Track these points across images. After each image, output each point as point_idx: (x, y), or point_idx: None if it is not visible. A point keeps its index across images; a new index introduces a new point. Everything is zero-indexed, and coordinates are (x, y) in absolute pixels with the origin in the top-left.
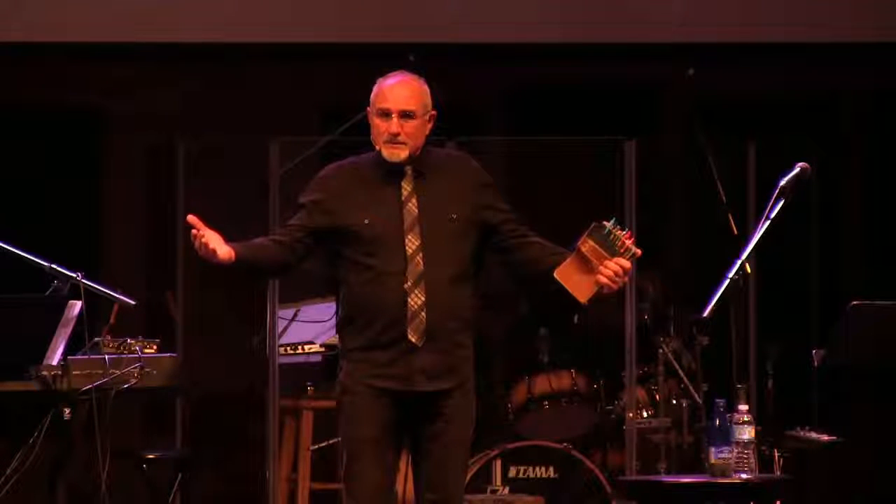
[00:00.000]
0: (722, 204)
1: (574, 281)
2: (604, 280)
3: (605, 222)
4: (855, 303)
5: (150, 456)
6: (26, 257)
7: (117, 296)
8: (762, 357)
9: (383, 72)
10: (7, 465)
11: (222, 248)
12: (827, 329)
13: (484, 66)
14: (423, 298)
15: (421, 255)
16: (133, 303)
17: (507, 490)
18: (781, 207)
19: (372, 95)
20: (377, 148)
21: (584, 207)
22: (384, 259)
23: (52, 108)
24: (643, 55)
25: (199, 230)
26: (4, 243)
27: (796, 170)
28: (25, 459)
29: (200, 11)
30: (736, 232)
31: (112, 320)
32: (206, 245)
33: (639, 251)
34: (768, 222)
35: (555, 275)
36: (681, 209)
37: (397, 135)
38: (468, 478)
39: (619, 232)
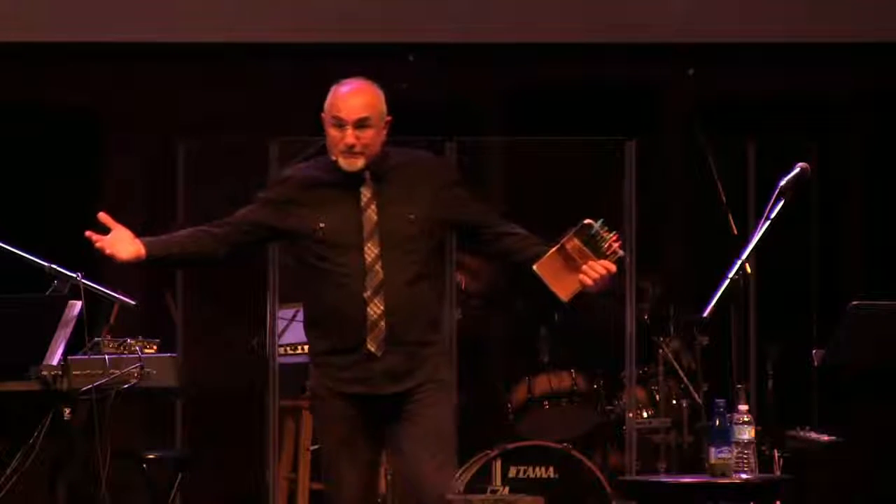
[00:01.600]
0: (722, 204)
1: (556, 277)
2: (587, 281)
3: (592, 222)
4: (855, 303)
5: (150, 456)
6: (26, 257)
7: (117, 296)
8: (762, 357)
9: (382, 72)
10: (7, 465)
11: (126, 250)
12: (827, 329)
13: (484, 66)
14: (381, 308)
15: (380, 263)
16: (133, 303)
17: (507, 490)
18: (781, 207)
19: (326, 103)
20: (333, 157)
21: (584, 207)
22: (343, 266)
23: (52, 108)
24: (643, 55)
25: (96, 241)
26: (4, 243)
27: (796, 170)
28: (25, 459)
29: (200, 11)
30: (736, 232)
31: (112, 320)
32: (103, 251)
33: (623, 254)
34: (768, 222)
35: (534, 268)
36: (681, 209)
37: (353, 146)
38: (468, 478)
39: (606, 234)
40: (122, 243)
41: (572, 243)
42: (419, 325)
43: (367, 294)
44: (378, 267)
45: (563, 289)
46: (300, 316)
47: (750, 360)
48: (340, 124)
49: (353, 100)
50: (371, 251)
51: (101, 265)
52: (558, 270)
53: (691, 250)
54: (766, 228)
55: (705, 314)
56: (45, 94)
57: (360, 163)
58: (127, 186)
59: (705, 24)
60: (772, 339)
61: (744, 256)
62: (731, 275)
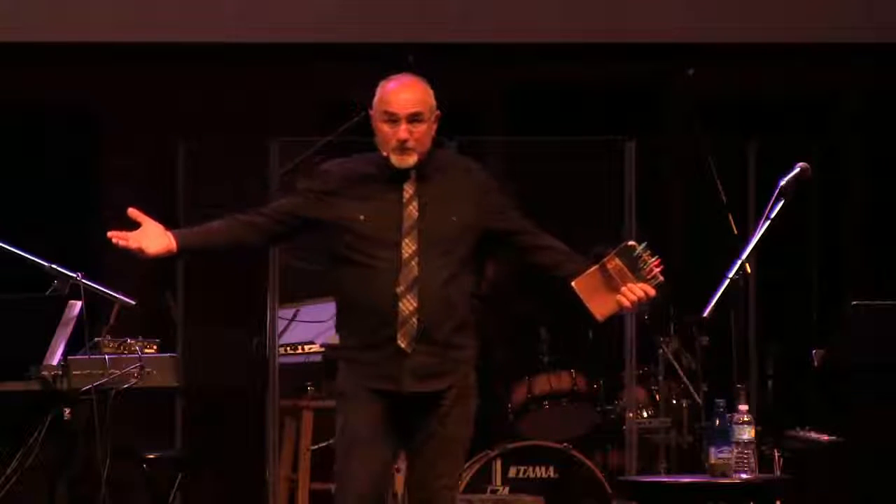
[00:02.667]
0: (722, 204)
1: (593, 296)
2: (625, 303)
3: (636, 244)
4: (855, 303)
5: (150, 456)
6: (26, 257)
7: (117, 296)
8: (762, 357)
9: (383, 72)
10: (7, 465)
11: (155, 244)
12: (827, 329)
13: (484, 66)
14: (414, 304)
15: (416, 259)
16: (133, 303)
17: (507, 490)
18: (781, 207)
19: (376, 99)
20: (384, 154)
21: (584, 207)
22: (378, 260)
23: (52, 108)
24: (643, 55)
25: (119, 239)
26: (4, 243)
27: (796, 170)
28: (25, 459)
29: (200, 11)
30: (736, 232)
31: (112, 320)
32: (128, 249)
33: (662, 279)
34: (768, 222)
35: (573, 285)
36: (681, 209)
37: (406, 141)
38: (468, 478)
39: (648, 257)
40: (150, 237)
41: (614, 263)
42: (450, 325)
43: (399, 289)
44: (414, 263)
45: (600, 308)
46: (301, 316)
47: (750, 360)
48: (393, 119)
49: (405, 94)
50: (408, 247)
51: (102, 265)
52: (596, 289)
53: (691, 250)
54: (766, 228)
55: (705, 314)
56: (45, 94)
57: (412, 159)
58: (127, 186)
59: (705, 24)
60: (772, 339)
61: (744, 256)
62: (731, 275)
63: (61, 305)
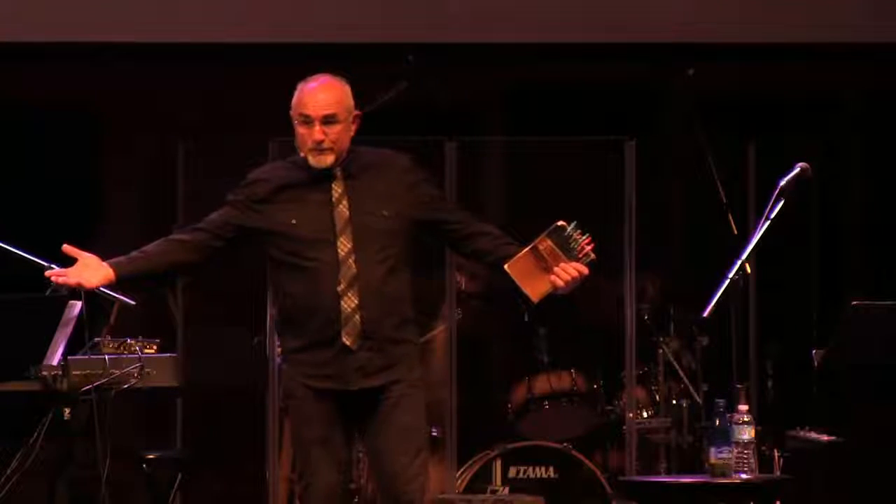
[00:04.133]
0: (722, 204)
1: (526, 278)
2: (559, 282)
3: (565, 224)
4: (855, 303)
5: (150, 456)
6: (26, 257)
7: (117, 296)
8: (762, 357)
9: (382, 72)
10: (7, 465)
11: (94, 277)
12: (827, 329)
13: (484, 66)
14: (356, 301)
15: (353, 257)
16: (133, 303)
17: (507, 490)
18: (781, 207)
19: (293, 101)
20: (302, 154)
21: (584, 207)
22: (316, 262)
23: (52, 107)
24: (643, 55)
25: (57, 276)
26: (4, 243)
27: (796, 170)
28: (25, 459)
29: (200, 11)
30: (736, 232)
31: (112, 320)
32: (68, 284)
33: (594, 257)
34: (768, 222)
35: (506, 268)
36: (681, 209)
37: (321, 142)
38: (468, 478)
39: (579, 236)
40: (88, 270)
41: (545, 244)
42: (392, 320)
43: (340, 287)
44: (351, 261)
45: (534, 289)
46: None
47: (750, 360)
48: (308, 121)
49: (319, 96)
50: (344, 245)
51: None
52: (530, 271)
53: (691, 250)
54: (766, 228)
55: (705, 314)
56: (45, 94)
57: (329, 159)
58: (127, 186)
59: (705, 24)
60: (772, 339)
61: (744, 256)
62: (731, 275)
63: (61, 305)
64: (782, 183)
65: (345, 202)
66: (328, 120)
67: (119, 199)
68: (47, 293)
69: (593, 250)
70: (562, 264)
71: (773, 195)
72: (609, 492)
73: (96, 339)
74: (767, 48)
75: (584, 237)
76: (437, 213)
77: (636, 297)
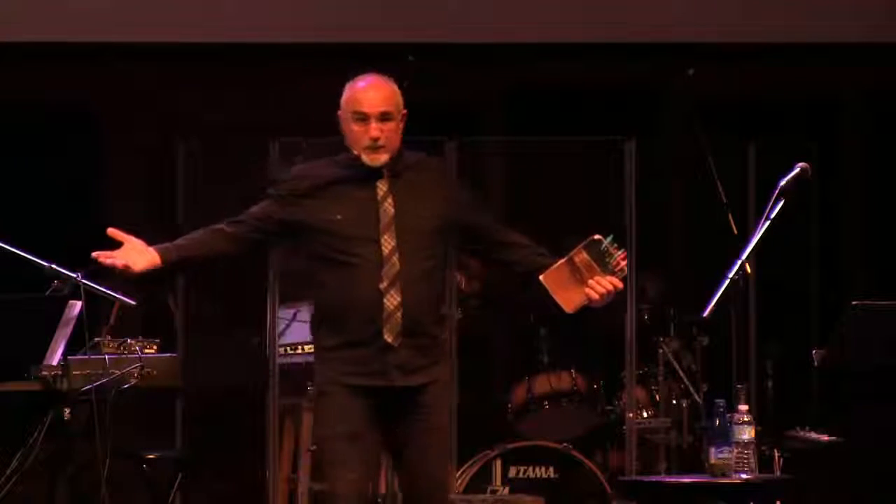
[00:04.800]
0: (722, 204)
1: (561, 289)
2: (594, 295)
3: (602, 238)
4: (855, 303)
5: (150, 456)
6: (26, 257)
7: (117, 296)
8: (762, 357)
9: (382, 72)
10: (7, 465)
11: (140, 261)
12: (827, 329)
13: (484, 66)
14: (398, 298)
15: (397, 255)
16: (133, 303)
17: (507, 490)
18: (781, 207)
19: (344, 100)
20: (355, 153)
21: (584, 207)
22: (359, 258)
23: (52, 108)
24: (643, 55)
25: (105, 258)
26: (4, 243)
27: (796, 170)
28: (25, 459)
29: (200, 11)
30: (736, 232)
31: (112, 320)
32: (115, 266)
33: (627, 271)
34: (768, 222)
35: (541, 279)
36: (681, 209)
37: (377, 139)
38: (468, 478)
39: (615, 250)
40: (134, 253)
41: (581, 257)
42: (430, 318)
43: (383, 285)
44: (395, 259)
45: (568, 301)
46: (300, 316)
47: (750, 360)
48: (363, 118)
49: (374, 93)
50: (388, 243)
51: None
52: (564, 282)
53: (691, 250)
54: (766, 228)
55: (705, 314)
56: (45, 94)
57: (384, 157)
58: (127, 186)
59: (705, 24)
60: (772, 339)
61: (744, 256)
62: (731, 275)
63: (61, 305)
64: (782, 183)
65: (390, 200)
66: (384, 117)
67: (119, 199)
68: (47, 293)
69: (627, 265)
70: (597, 277)
71: (773, 195)
72: (609, 492)
73: (96, 339)
74: (767, 48)
75: (619, 252)
76: (475, 218)
77: (636, 297)
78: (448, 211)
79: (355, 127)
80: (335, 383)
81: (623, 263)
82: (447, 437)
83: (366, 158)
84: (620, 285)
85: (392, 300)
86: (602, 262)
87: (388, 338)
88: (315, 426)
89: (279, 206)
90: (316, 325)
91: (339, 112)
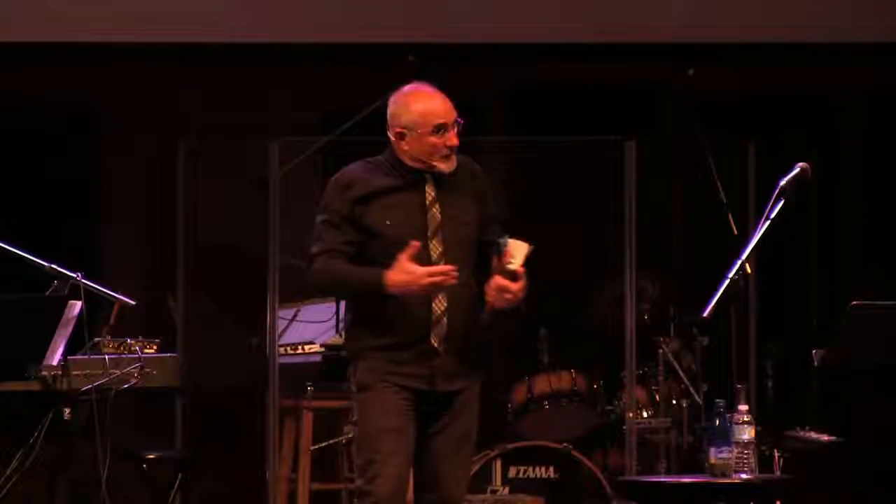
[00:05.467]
0: (722, 204)
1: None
2: (488, 296)
3: (500, 239)
4: (855, 303)
5: (150, 456)
6: (26, 257)
7: (117, 296)
8: (762, 357)
9: (382, 72)
10: (7, 465)
11: None
12: (827, 329)
13: (484, 66)
14: (445, 304)
15: (443, 261)
16: (133, 303)
17: (507, 490)
18: (781, 207)
19: (417, 116)
20: (433, 163)
21: (584, 207)
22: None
23: (52, 108)
24: (643, 55)
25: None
26: (4, 243)
27: (796, 170)
28: (25, 459)
29: (200, 11)
30: (736, 232)
31: (112, 320)
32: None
33: (519, 269)
34: (768, 222)
35: (485, 288)
36: (681, 209)
37: (455, 146)
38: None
39: (510, 245)
40: None
41: (495, 261)
42: (470, 323)
43: None
44: (442, 264)
45: (488, 304)
46: (301, 316)
47: (750, 360)
48: (443, 128)
49: (444, 102)
50: (436, 249)
51: (102, 265)
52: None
53: (691, 250)
54: (766, 228)
55: (705, 314)
56: (45, 94)
57: (455, 162)
58: (127, 186)
59: (705, 24)
60: (772, 339)
61: (744, 256)
62: (731, 275)
63: (61, 305)
64: (782, 183)
65: (437, 206)
66: (456, 123)
67: (119, 199)
68: (47, 293)
69: (527, 256)
70: (491, 279)
71: (773, 195)
72: (609, 492)
73: (96, 339)
74: (767, 48)
75: (511, 248)
76: (488, 236)
77: (636, 297)
78: (480, 219)
79: (434, 139)
80: (380, 380)
81: (506, 260)
82: (471, 446)
83: (443, 166)
84: (503, 283)
85: (440, 305)
86: (498, 261)
87: (435, 342)
88: (360, 420)
89: (345, 228)
90: (359, 323)
91: (401, 129)
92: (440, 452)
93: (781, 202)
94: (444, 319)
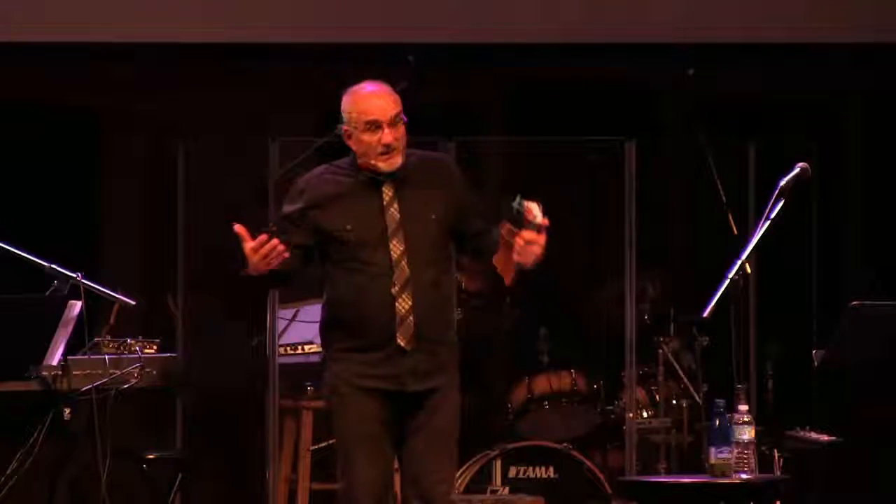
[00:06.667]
0: (722, 204)
1: (503, 265)
2: (515, 256)
3: (513, 199)
4: (855, 303)
5: (150, 456)
6: (26, 257)
7: (117, 296)
8: (762, 357)
9: (382, 72)
10: (7, 465)
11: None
12: (827, 329)
13: (484, 66)
14: (410, 303)
15: (406, 259)
16: (133, 303)
17: (507, 490)
18: (781, 207)
19: (350, 111)
20: (371, 162)
21: (585, 207)
22: (371, 265)
23: (52, 108)
24: (643, 55)
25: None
26: (4, 243)
27: (796, 170)
28: (25, 459)
29: (201, 11)
30: (736, 232)
31: (112, 320)
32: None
33: (545, 220)
34: (768, 222)
35: (493, 262)
36: (681, 209)
37: (390, 144)
38: (468, 478)
39: (527, 203)
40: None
41: (505, 227)
42: (440, 322)
43: (395, 289)
44: (404, 263)
45: (507, 274)
46: (301, 316)
47: (750, 360)
48: (376, 126)
49: (382, 99)
50: (396, 248)
51: (102, 265)
52: (504, 257)
53: (691, 250)
54: (766, 228)
55: (705, 314)
56: (45, 94)
57: (398, 160)
58: (127, 186)
59: (705, 24)
60: (772, 339)
61: (744, 256)
62: (731, 275)
63: (61, 305)
64: (782, 183)
65: (396, 205)
66: (395, 121)
67: (119, 199)
68: (47, 293)
69: (543, 214)
70: (516, 238)
71: (773, 195)
72: (609, 492)
73: (96, 339)
74: (767, 48)
75: (531, 203)
76: (470, 226)
77: (636, 297)
78: (452, 213)
79: (367, 136)
80: (349, 384)
81: (533, 213)
82: (451, 443)
83: (382, 165)
84: (533, 235)
85: (404, 304)
86: (518, 222)
87: (401, 342)
88: (333, 425)
89: (296, 229)
90: (327, 326)
91: (345, 127)
92: (419, 450)
93: (781, 202)
94: (410, 319)
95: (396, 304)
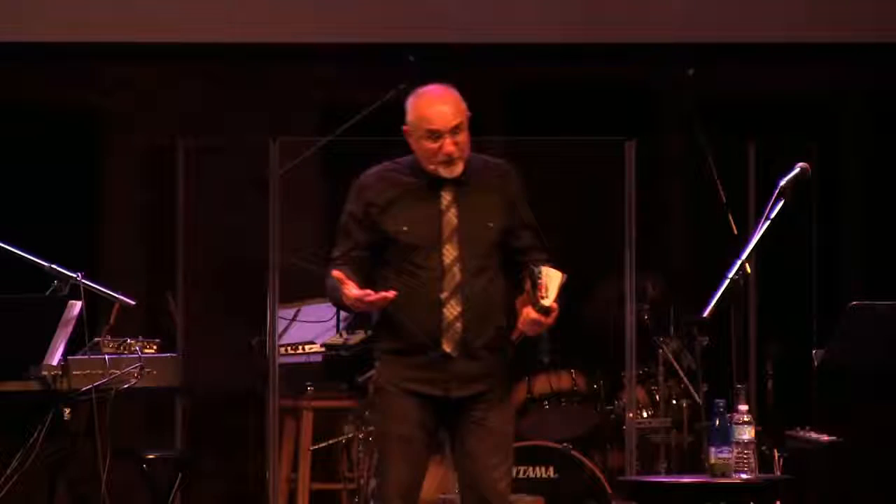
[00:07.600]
0: (722, 204)
1: (520, 308)
2: (520, 324)
3: (536, 268)
4: (855, 303)
5: (150, 456)
6: (26, 257)
7: (117, 296)
8: (762, 357)
9: (382, 72)
10: (7, 465)
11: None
12: (827, 329)
13: (484, 66)
14: (458, 309)
15: (458, 265)
16: (133, 303)
17: None
18: (781, 207)
19: (413, 117)
20: (429, 168)
21: (584, 207)
22: (422, 268)
23: (52, 108)
24: (643, 55)
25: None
26: (4, 243)
27: (796, 170)
28: (25, 459)
29: (200, 11)
30: (736, 232)
31: (112, 320)
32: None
33: (553, 305)
34: (768, 222)
35: (517, 303)
36: (681, 209)
37: (452, 154)
38: None
39: (544, 279)
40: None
41: (527, 285)
42: (490, 329)
43: (444, 295)
44: (456, 269)
45: (518, 326)
46: (301, 316)
47: (750, 360)
48: (437, 135)
49: (443, 108)
50: (450, 253)
51: (102, 265)
52: (521, 308)
53: (691, 250)
54: (766, 228)
55: (705, 314)
56: (45, 94)
57: (459, 168)
58: (127, 186)
59: (705, 24)
60: (772, 339)
61: (744, 256)
62: (731, 275)
63: (61, 305)
64: (782, 183)
65: (454, 210)
66: (456, 130)
67: (119, 199)
68: (47, 293)
69: (558, 294)
70: (526, 308)
71: (773, 195)
72: (609, 492)
73: (96, 339)
74: (767, 48)
75: (544, 281)
76: (519, 242)
77: (636, 297)
78: (509, 223)
79: (428, 144)
80: (394, 385)
81: (543, 292)
82: (506, 442)
83: (443, 172)
84: (535, 316)
85: (452, 310)
86: (532, 293)
87: (447, 348)
88: (374, 422)
89: (359, 232)
90: (377, 326)
91: (407, 127)
92: (474, 453)
93: (781, 202)
94: (458, 325)
95: (444, 309)
